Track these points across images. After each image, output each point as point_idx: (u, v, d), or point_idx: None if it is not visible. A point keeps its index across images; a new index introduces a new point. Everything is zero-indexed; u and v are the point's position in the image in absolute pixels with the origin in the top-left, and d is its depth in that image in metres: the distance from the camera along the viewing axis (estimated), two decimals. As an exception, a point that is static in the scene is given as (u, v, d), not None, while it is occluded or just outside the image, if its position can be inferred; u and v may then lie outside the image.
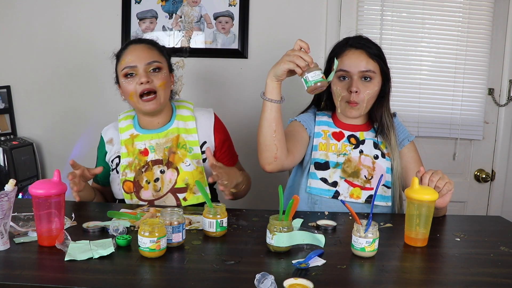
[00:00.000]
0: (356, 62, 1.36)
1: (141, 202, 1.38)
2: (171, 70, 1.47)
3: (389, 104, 1.45)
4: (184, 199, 1.39)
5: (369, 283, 0.89)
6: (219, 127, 1.51)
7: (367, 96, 1.37)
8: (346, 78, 1.37)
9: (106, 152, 1.48)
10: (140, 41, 1.43)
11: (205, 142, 1.47)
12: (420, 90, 2.06)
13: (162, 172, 1.39)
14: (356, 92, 1.35)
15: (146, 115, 1.43)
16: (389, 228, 1.21)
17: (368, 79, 1.36)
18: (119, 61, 1.41)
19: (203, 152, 1.44)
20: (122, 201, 1.42)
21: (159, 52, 1.42)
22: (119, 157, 1.44)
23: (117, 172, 1.43)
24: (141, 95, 1.36)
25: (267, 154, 1.27)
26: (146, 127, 1.46)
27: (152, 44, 1.43)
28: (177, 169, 1.40)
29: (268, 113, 1.24)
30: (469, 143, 2.14)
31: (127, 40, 2.01)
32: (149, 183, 1.39)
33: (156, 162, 1.40)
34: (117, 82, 1.45)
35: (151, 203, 1.38)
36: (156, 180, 1.39)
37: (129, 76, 1.37)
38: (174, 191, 1.39)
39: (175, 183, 1.39)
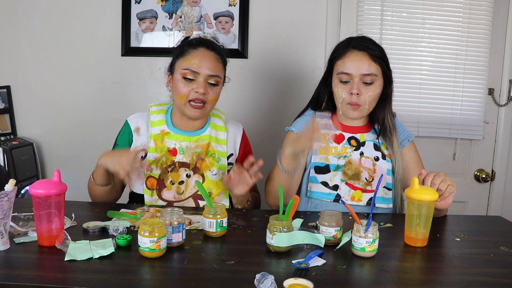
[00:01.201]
0: (358, 64, 1.34)
1: (160, 202, 1.37)
2: (224, 81, 1.46)
3: (391, 106, 1.45)
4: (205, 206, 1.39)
5: (369, 283, 0.89)
6: (245, 143, 1.54)
7: (369, 98, 1.36)
8: (348, 80, 1.37)
9: (132, 141, 1.44)
10: (212, 47, 1.40)
11: (231, 154, 1.49)
12: (420, 90, 2.06)
13: (188, 176, 1.40)
14: (358, 94, 1.34)
15: (185, 117, 1.42)
16: (389, 228, 1.21)
17: (370, 81, 1.35)
18: (183, 57, 1.37)
19: (229, 164, 1.46)
20: (141, 196, 1.39)
21: (223, 66, 1.42)
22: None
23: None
24: (190, 100, 1.37)
25: (275, 201, 1.39)
26: (180, 127, 1.45)
27: (221, 55, 1.41)
28: (203, 176, 1.40)
29: (281, 176, 1.31)
30: (469, 143, 2.14)
31: (126, 40, 2.01)
32: (173, 184, 1.38)
33: (183, 164, 1.40)
34: (170, 70, 1.43)
35: (170, 204, 1.37)
36: (181, 182, 1.39)
37: (187, 79, 1.36)
38: (196, 197, 1.40)
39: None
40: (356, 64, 1.34)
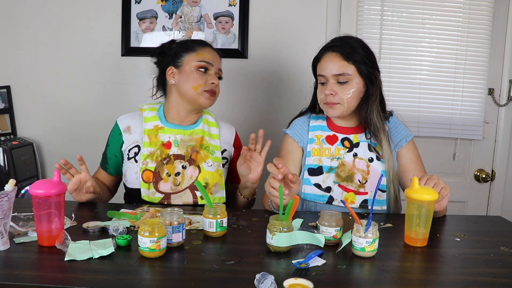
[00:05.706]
0: (330, 65, 1.36)
1: (157, 194, 1.38)
2: None
3: (377, 105, 1.40)
4: (202, 197, 1.41)
5: (369, 283, 0.89)
6: (238, 144, 1.59)
7: (346, 96, 1.36)
8: (325, 82, 1.39)
9: (122, 142, 1.47)
10: (214, 48, 1.52)
11: (225, 150, 1.53)
12: (420, 90, 2.06)
13: (184, 167, 1.42)
14: (332, 94, 1.36)
15: (188, 109, 1.47)
16: (389, 228, 1.21)
17: (344, 81, 1.35)
18: (195, 51, 1.45)
19: (223, 158, 1.51)
20: (137, 190, 1.40)
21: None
22: (138, 146, 1.44)
23: (136, 161, 1.43)
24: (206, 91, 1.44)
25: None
26: (174, 121, 1.49)
27: (220, 55, 1.53)
28: (199, 167, 1.43)
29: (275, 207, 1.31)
30: (469, 143, 2.14)
31: (126, 40, 2.01)
32: (169, 175, 1.40)
33: (178, 156, 1.43)
34: (173, 64, 1.47)
35: (167, 196, 1.39)
36: (177, 174, 1.41)
37: (201, 70, 1.44)
38: (193, 187, 1.41)
39: (196, 180, 1.41)
40: (329, 65, 1.36)
